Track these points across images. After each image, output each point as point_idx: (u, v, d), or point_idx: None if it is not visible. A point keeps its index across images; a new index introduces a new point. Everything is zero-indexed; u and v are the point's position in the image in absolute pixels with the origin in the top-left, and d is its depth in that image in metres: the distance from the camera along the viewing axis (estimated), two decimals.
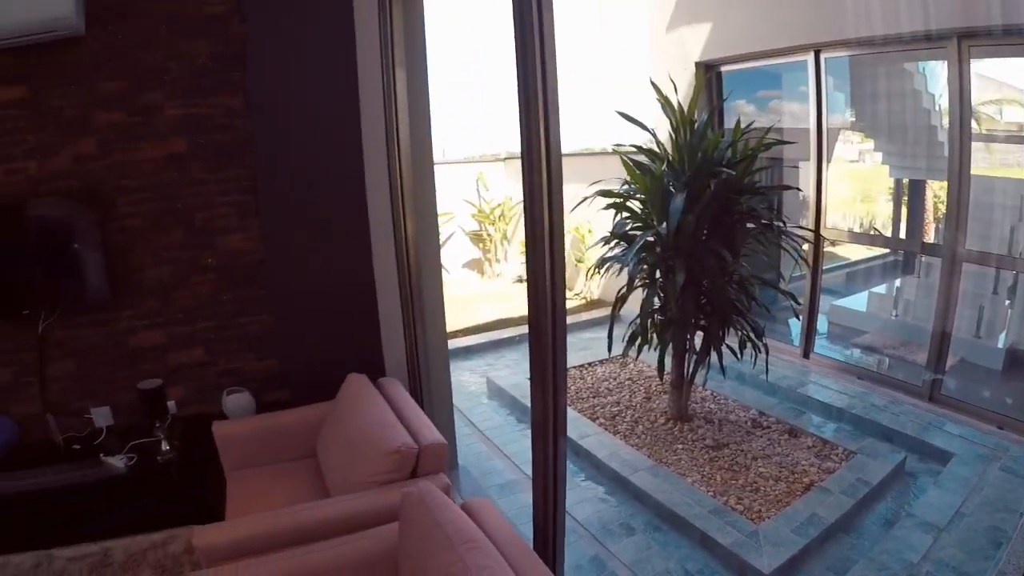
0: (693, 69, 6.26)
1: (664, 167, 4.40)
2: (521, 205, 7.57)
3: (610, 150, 5.21)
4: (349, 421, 2.86)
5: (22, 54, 3.44)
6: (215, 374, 3.73)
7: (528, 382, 4.60)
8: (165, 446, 3.36)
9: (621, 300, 4.50)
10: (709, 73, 6.32)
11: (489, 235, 10.02)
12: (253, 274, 3.66)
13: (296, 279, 3.57)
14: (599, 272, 4.67)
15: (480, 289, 9.37)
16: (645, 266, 4.41)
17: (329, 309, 3.57)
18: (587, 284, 8.40)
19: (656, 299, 4.44)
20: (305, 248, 3.52)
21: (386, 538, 2.18)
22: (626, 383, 5.53)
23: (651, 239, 4.31)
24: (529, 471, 4.11)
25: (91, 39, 3.45)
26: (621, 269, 4.42)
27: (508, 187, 10.08)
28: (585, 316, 7.60)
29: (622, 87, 7.43)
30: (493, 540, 1.92)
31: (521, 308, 7.73)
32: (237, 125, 3.55)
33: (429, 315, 3.75)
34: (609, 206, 4.62)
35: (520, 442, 4.64)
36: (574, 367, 5.86)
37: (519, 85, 2.01)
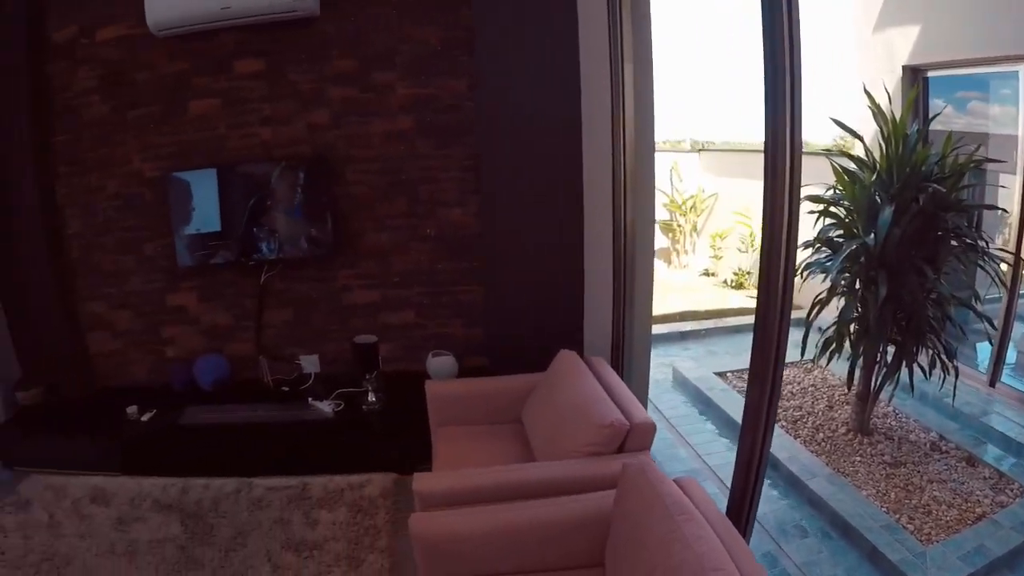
0: (900, 73, 5.97)
1: (873, 177, 4.25)
2: (713, 198, 7.58)
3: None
4: (560, 393, 2.96)
5: (262, 31, 3.80)
6: (422, 336, 3.99)
7: (715, 376, 4.60)
8: (371, 397, 3.63)
9: (820, 305, 4.39)
10: (915, 77, 6.01)
11: (679, 226, 9.93)
12: (468, 247, 3.87)
13: (508, 255, 3.71)
14: (802, 276, 4.57)
15: (666, 279, 9.21)
16: (847, 274, 4.29)
17: (536, 285, 3.69)
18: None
19: (855, 309, 4.32)
20: (519, 226, 3.65)
21: (598, 504, 2.26)
22: (809, 389, 5.42)
23: (855, 248, 4.18)
24: (711, 462, 4.18)
25: (325, 20, 3.75)
26: (825, 277, 4.32)
27: (701, 178, 9.89)
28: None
29: (823, 85, 7.17)
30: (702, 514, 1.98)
31: (707, 302, 7.74)
32: (461, 106, 3.74)
33: (638, 300, 3.82)
34: (816, 212, 4.52)
35: (702, 433, 4.69)
36: None
37: (767, 86, 2.02)
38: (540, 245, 3.64)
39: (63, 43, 4.08)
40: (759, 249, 2.35)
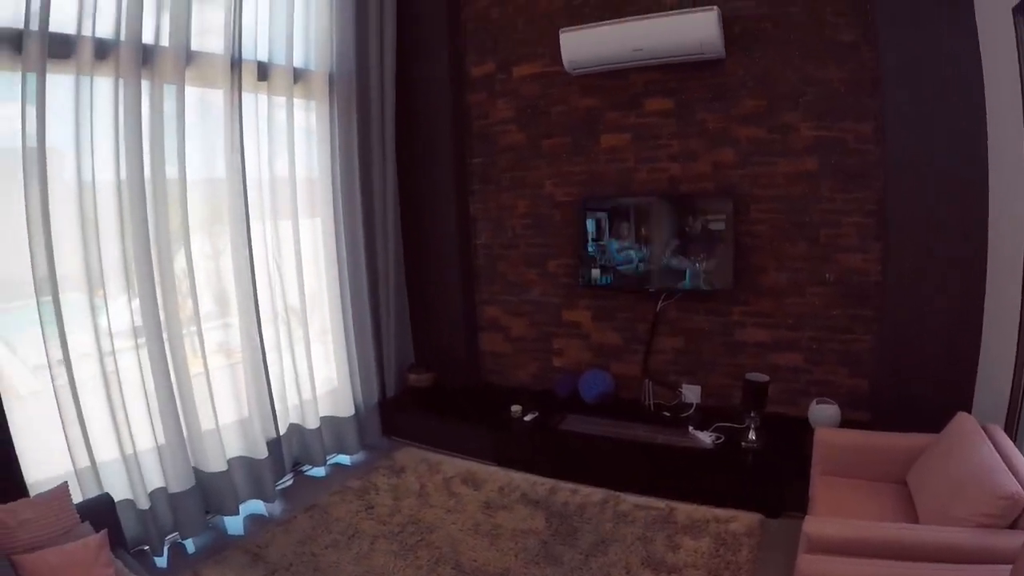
0: None
1: None
2: None
3: None
4: (954, 457, 2.84)
5: (671, 71, 4.01)
6: (806, 381, 3.99)
7: None
8: (752, 435, 3.69)
9: None
10: None
11: None
12: (865, 294, 3.80)
13: (905, 306, 3.59)
14: None
15: None
16: None
17: (931, 339, 3.53)
18: None
19: None
20: (919, 277, 3.52)
21: None
22: None
23: None
24: None
25: (731, 61, 3.88)
26: None
27: None
28: None
29: None
30: None
31: None
32: (866, 150, 3.68)
33: None
34: None
35: None
36: None
37: None
38: (939, 298, 3.49)
39: (481, 77, 4.68)
40: None
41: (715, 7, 3.61)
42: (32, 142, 2.79)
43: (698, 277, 4.02)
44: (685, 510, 3.51)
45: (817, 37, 3.69)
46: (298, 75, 4.11)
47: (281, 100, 4.03)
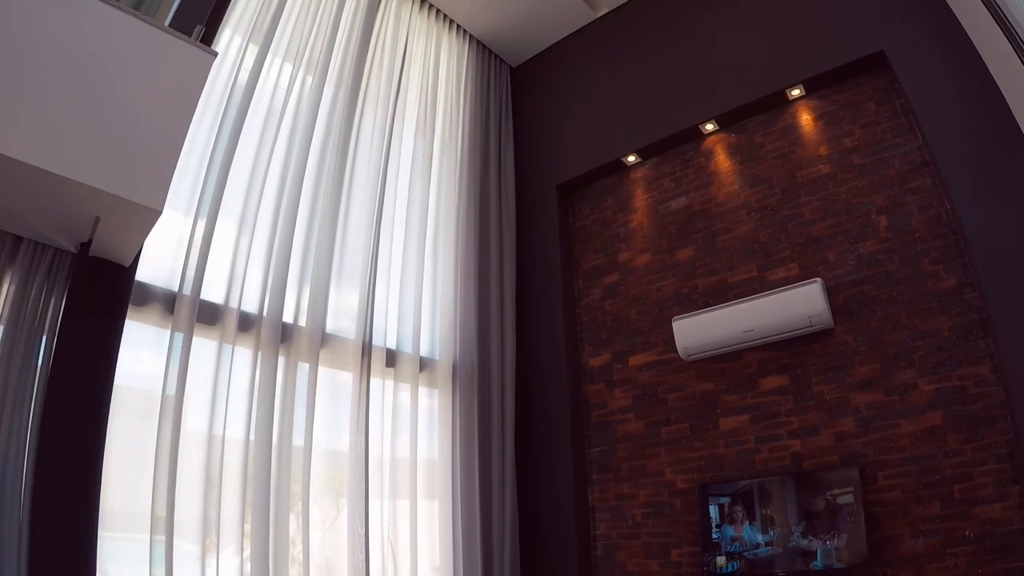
0: None
1: None
2: None
3: None
4: None
5: (782, 347, 4.04)
6: None
7: None
8: None
9: None
10: None
11: None
12: (1010, 545, 3.32)
13: None
14: None
15: None
16: None
17: None
18: None
19: None
20: None
21: None
22: None
23: None
24: None
25: (840, 329, 3.89)
26: None
27: None
28: None
29: None
30: None
31: None
32: (988, 392, 3.46)
33: None
34: None
35: None
36: None
37: None
38: None
39: (598, 368, 4.88)
40: None
41: (818, 279, 3.76)
42: (171, 391, 3.15)
43: (830, 555, 3.62)
44: None
45: (918, 290, 3.71)
46: (424, 363, 4.49)
47: (406, 386, 4.35)
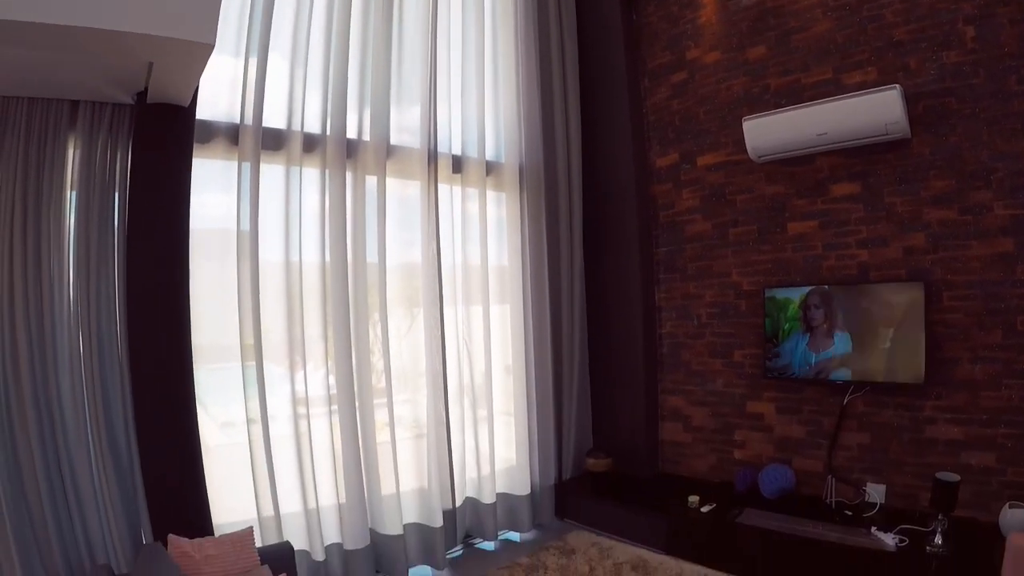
0: None
1: None
2: None
3: None
4: None
5: (856, 154, 3.84)
6: (999, 483, 3.52)
7: None
8: (938, 539, 3.30)
9: None
10: None
11: None
12: None
13: None
14: None
15: None
16: None
17: None
18: None
19: None
20: None
21: None
22: None
23: None
24: None
25: (917, 141, 3.64)
26: None
27: None
28: None
29: None
30: None
31: None
32: None
33: None
34: None
35: None
36: None
37: None
38: None
39: (666, 168, 4.78)
40: None
41: (897, 85, 3.45)
42: (245, 225, 3.33)
43: (888, 369, 3.71)
44: None
45: (1003, 108, 3.38)
46: (490, 167, 4.50)
47: (474, 192, 4.42)
